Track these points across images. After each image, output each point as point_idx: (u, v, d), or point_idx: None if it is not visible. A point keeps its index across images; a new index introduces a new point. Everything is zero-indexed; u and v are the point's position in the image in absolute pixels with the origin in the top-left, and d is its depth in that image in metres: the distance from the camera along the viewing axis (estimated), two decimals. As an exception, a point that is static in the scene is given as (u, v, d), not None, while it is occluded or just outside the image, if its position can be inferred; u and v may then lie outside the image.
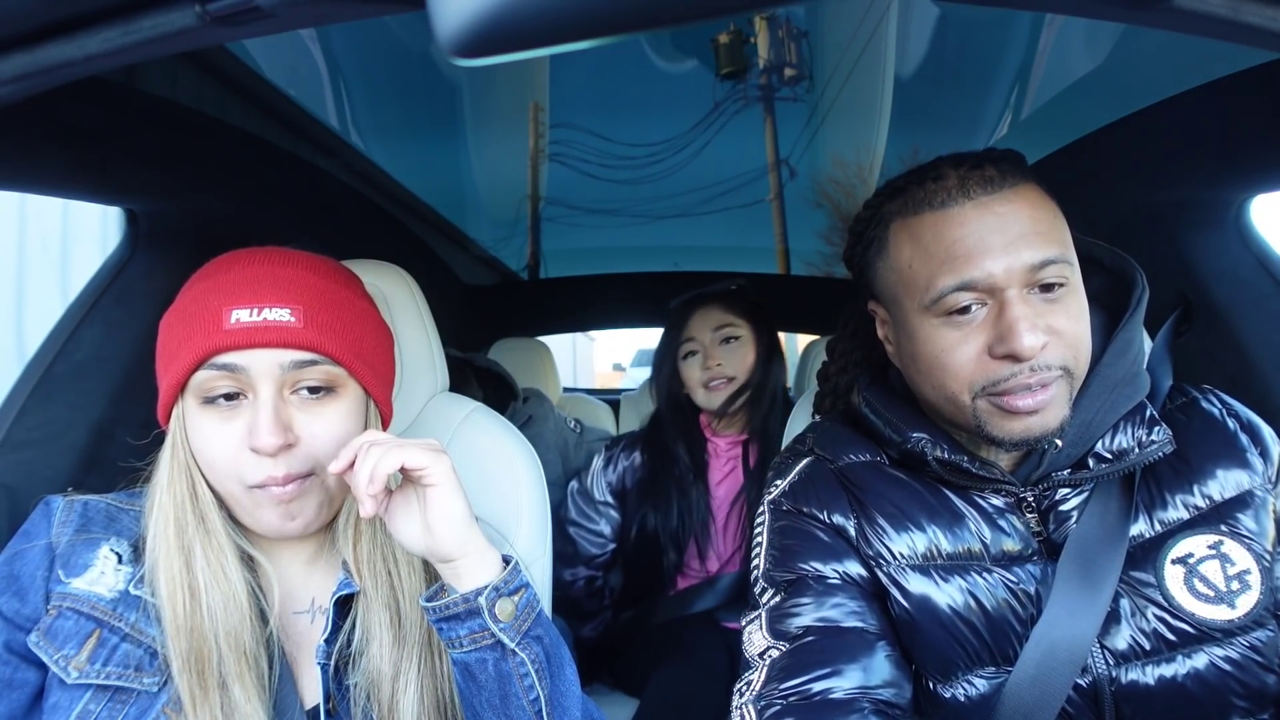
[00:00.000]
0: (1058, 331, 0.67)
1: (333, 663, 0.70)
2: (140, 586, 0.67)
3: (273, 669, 0.68)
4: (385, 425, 0.78)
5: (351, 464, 0.63)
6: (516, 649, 0.65)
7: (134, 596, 0.67)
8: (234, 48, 1.16)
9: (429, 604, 0.66)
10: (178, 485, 0.67)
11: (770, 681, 0.70)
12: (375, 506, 0.62)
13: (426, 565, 0.75)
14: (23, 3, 0.48)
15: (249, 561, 0.70)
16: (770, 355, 1.51)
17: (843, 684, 0.68)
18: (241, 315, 0.65)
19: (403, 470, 0.63)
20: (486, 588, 0.65)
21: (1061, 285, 0.67)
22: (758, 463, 1.50)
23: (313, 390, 0.69)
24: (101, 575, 0.67)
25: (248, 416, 0.66)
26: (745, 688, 0.72)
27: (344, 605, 0.73)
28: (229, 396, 0.66)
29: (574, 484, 1.64)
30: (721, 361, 1.48)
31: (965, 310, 0.68)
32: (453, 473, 0.65)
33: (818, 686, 0.68)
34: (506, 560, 0.68)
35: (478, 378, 1.84)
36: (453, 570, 0.66)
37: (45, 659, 0.63)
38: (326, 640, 0.70)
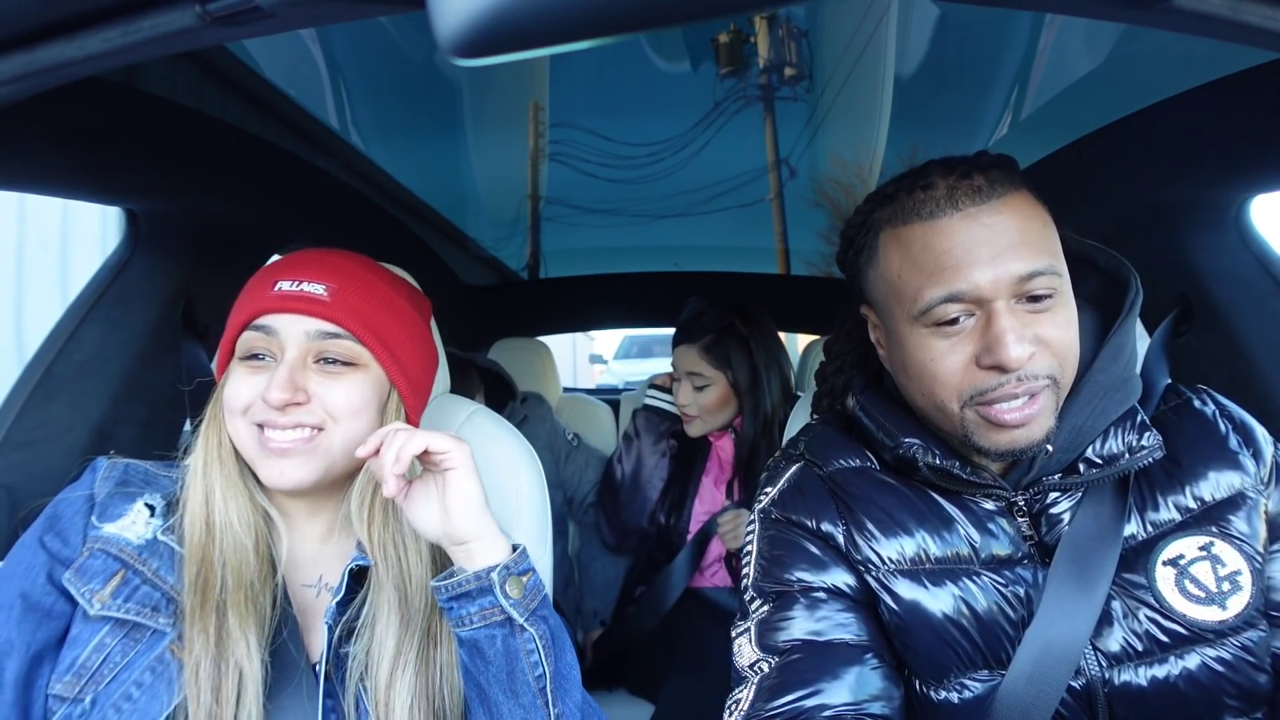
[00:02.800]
0: (1045, 341, 0.67)
1: (339, 628, 0.74)
2: (169, 534, 0.73)
3: (275, 612, 0.73)
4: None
5: (378, 451, 0.68)
6: (525, 624, 0.69)
7: (160, 543, 0.73)
8: (234, 48, 1.16)
9: (440, 584, 0.70)
10: (210, 433, 0.75)
11: (758, 700, 0.70)
12: (398, 487, 0.67)
13: (433, 556, 0.79)
14: (23, 3, 0.48)
15: (266, 516, 0.76)
16: (741, 388, 1.58)
17: (830, 701, 0.68)
18: (284, 285, 0.74)
19: (424, 458, 0.69)
20: (498, 566, 0.70)
21: (1049, 296, 0.67)
22: (743, 461, 1.61)
23: (334, 361, 0.75)
24: (133, 524, 0.73)
25: (272, 374, 0.72)
26: (734, 706, 0.72)
27: (356, 579, 0.76)
28: (262, 357, 0.74)
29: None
30: (688, 402, 1.63)
31: (953, 322, 0.68)
32: (472, 459, 0.71)
33: (805, 704, 0.68)
34: (515, 546, 0.73)
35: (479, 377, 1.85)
36: (465, 552, 0.71)
37: (74, 592, 0.69)
38: (338, 604, 0.74)
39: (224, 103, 1.16)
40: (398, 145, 1.74)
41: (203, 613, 0.69)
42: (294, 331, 0.73)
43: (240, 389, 0.73)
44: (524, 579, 0.71)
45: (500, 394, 1.90)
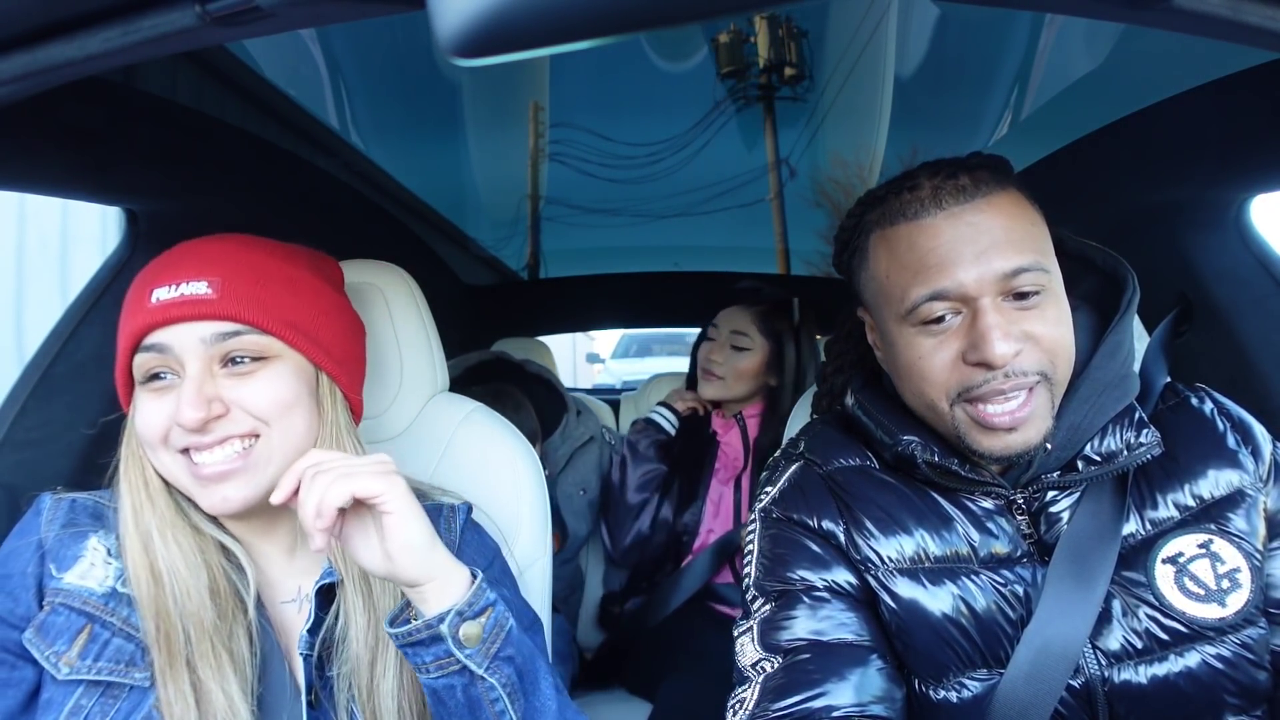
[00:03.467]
0: (1034, 337, 0.67)
1: (316, 653, 0.70)
2: (128, 585, 0.67)
3: (254, 653, 0.68)
4: (356, 411, 0.77)
5: (296, 492, 0.60)
6: (485, 674, 0.63)
7: (123, 593, 0.67)
8: (234, 48, 1.16)
9: (393, 629, 0.64)
10: (132, 472, 0.68)
11: (763, 700, 0.70)
12: (324, 541, 0.59)
13: None
14: (23, 3, 0.48)
15: (221, 549, 0.70)
16: (785, 367, 1.58)
17: (835, 702, 0.68)
18: (161, 293, 0.65)
19: (355, 499, 0.60)
20: (449, 612, 0.62)
21: (1037, 293, 0.67)
22: (761, 449, 1.59)
23: (241, 361, 0.67)
24: (91, 568, 0.67)
25: (178, 394, 0.65)
26: (738, 705, 0.72)
27: (326, 596, 0.72)
28: (164, 377, 0.66)
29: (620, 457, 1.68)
30: (720, 360, 1.59)
31: (940, 320, 0.69)
32: (408, 496, 0.62)
33: (810, 706, 0.68)
34: (475, 575, 0.66)
35: (526, 385, 1.67)
36: (419, 595, 0.64)
37: (37, 655, 0.63)
38: (309, 630, 0.70)
39: (224, 103, 1.16)
40: (398, 145, 1.74)
41: (173, 672, 0.63)
42: (188, 341, 0.65)
43: (151, 418, 0.65)
44: (482, 619, 0.63)
45: (553, 404, 1.69)
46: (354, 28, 1.26)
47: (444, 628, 0.62)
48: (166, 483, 0.68)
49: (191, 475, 0.66)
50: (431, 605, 0.63)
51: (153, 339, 0.65)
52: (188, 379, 0.65)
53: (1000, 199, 0.69)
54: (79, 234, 4.05)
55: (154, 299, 0.65)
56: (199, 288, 0.65)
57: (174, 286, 0.65)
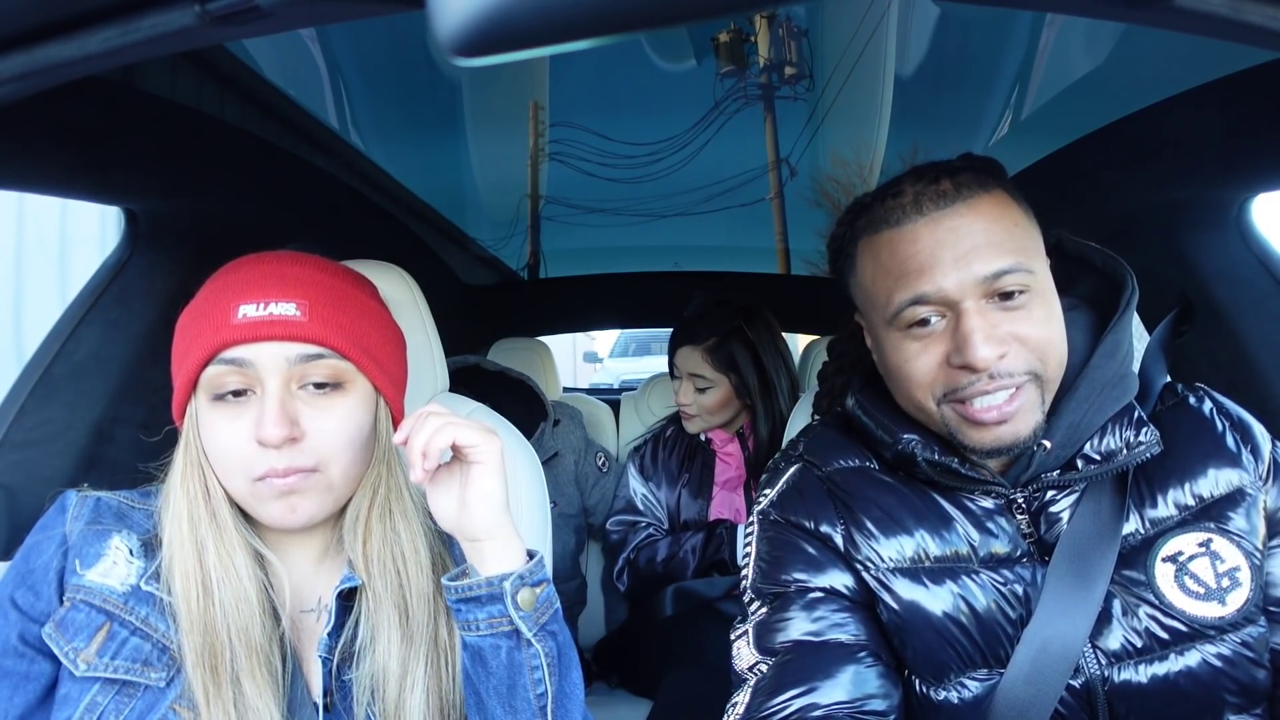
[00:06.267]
0: (1021, 338, 0.68)
1: (335, 658, 0.71)
2: (152, 582, 0.68)
3: (285, 666, 0.69)
4: (396, 428, 0.78)
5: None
6: (533, 640, 0.66)
7: (145, 592, 0.68)
8: (234, 48, 1.16)
9: (450, 583, 0.67)
10: (191, 482, 0.68)
11: (754, 701, 0.71)
12: (424, 476, 0.64)
13: (434, 566, 0.76)
14: (22, 2, 0.48)
15: (260, 559, 0.70)
16: (751, 392, 1.56)
17: (823, 699, 0.69)
18: (248, 310, 0.66)
19: (453, 447, 0.65)
20: (511, 574, 0.66)
21: (1022, 293, 0.68)
22: (761, 464, 1.56)
23: (319, 386, 0.69)
24: (114, 566, 0.68)
25: (256, 411, 0.66)
26: (732, 709, 0.73)
27: (346, 601, 0.73)
28: (238, 394, 0.67)
29: (612, 525, 1.66)
30: (689, 401, 1.61)
31: (924, 323, 0.70)
32: (500, 455, 0.67)
33: (799, 703, 0.69)
34: (531, 554, 0.70)
35: (506, 387, 1.68)
36: (477, 550, 0.68)
37: (56, 651, 0.64)
38: (329, 634, 0.71)
39: (224, 103, 1.16)
40: (398, 145, 1.74)
41: (218, 693, 0.63)
42: (272, 359, 0.66)
43: (229, 441, 0.66)
44: (537, 590, 0.67)
45: (532, 410, 1.69)
46: (354, 28, 1.26)
47: (506, 585, 0.66)
48: (225, 493, 0.69)
49: (258, 492, 0.67)
50: (489, 564, 0.67)
51: (234, 353, 0.66)
52: (269, 395, 0.66)
53: (982, 202, 0.69)
54: (79, 234, 4.05)
55: (240, 315, 0.66)
56: (288, 309, 0.66)
57: (262, 305, 0.66)
